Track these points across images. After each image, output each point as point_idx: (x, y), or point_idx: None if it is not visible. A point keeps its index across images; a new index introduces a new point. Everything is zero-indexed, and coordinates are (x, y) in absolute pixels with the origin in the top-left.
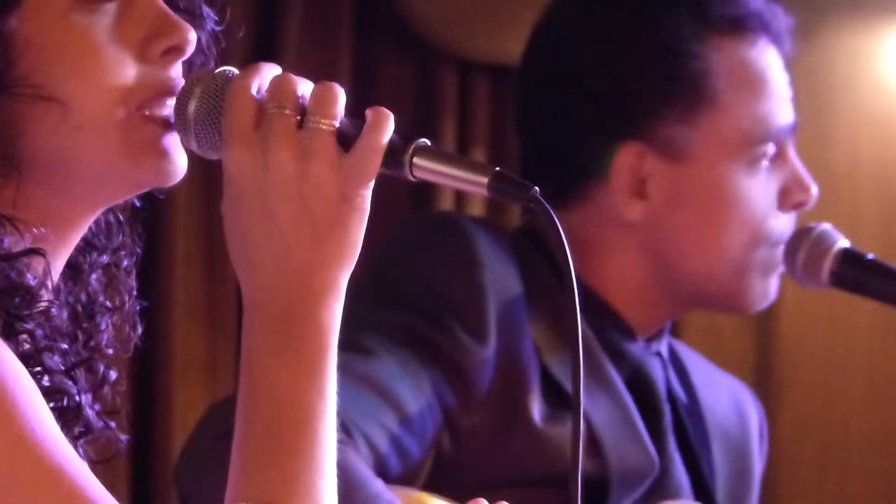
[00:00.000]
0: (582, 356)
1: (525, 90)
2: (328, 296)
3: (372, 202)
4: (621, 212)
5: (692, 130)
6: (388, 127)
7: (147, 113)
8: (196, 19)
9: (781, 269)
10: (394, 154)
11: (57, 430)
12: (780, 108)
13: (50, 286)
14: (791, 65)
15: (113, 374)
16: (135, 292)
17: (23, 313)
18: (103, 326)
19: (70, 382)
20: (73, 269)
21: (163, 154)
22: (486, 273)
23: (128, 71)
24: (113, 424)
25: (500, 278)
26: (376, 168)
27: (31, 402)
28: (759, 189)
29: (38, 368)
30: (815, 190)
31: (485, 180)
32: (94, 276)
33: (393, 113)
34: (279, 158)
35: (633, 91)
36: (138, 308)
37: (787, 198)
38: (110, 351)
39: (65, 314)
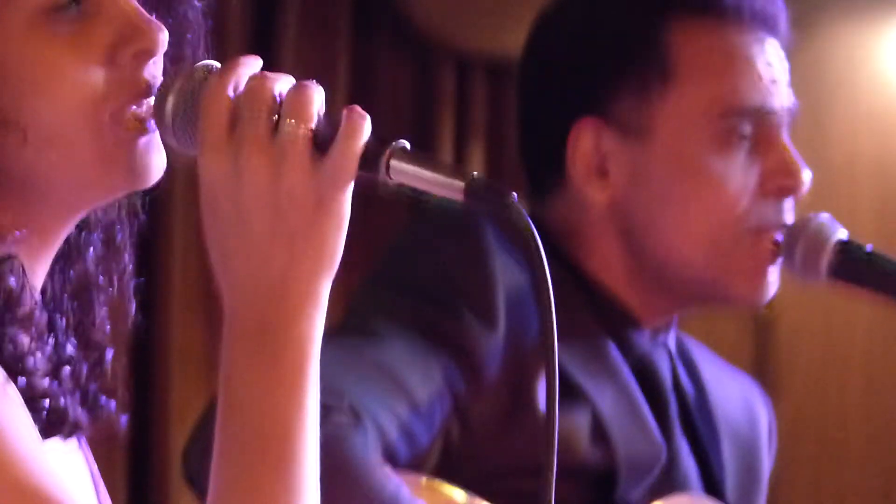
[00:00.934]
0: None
1: (516, 85)
2: (307, 305)
3: (370, 207)
4: (585, 192)
5: (649, 106)
6: (363, 130)
7: (116, 116)
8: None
9: (779, 261)
10: (370, 157)
11: (38, 445)
12: (753, 87)
13: (35, 288)
14: (789, 59)
15: (109, 352)
16: (129, 267)
17: (4, 318)
18: (97, 304)
19: (56, 384)
20: (67, 246)
21: (137, 157)
22: (495, 262)
23: (94, 79)
24: (112, 405)
25: (509, 268)
26: (353, 172)
27: (11, 418)
28: (729, 169)
29: (23, 372)
30: (805, 176)
31: (461, 185)
32: (89, 252)
33: (391, 109)
34: (252, 165)
35: (584, 65)
36: (133, 283)
37: (771, 180)
38: (106, 329)
39: (46, 317)
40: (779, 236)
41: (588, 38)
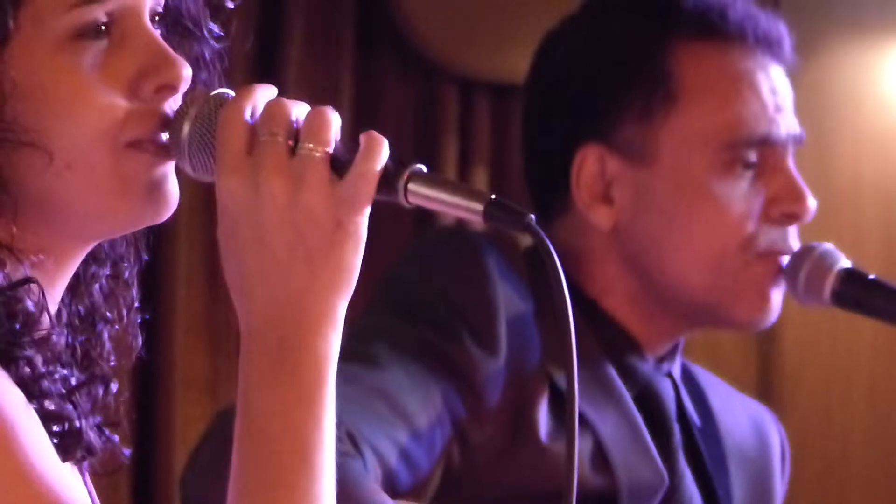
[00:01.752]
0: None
1: (521, 109)
2: (324, 325)
3: (375, 223)
4: (589, 218)
5: (652, 131)
6: (381, 153)
7: (133, 147)
8: (200, 35)
9: (783, 285)
10: (388, 180)
11: (56, 461)
12: (758, 116)
13: (50, 312)
14: (792, 82)
15: (114, 386)
16: (136, 304)
17: (22, 339)
18: (103, 337)
19: (70, 407)
20: (76, 279)
21: (153, 189)
22: (496, 287)
23: (118, 109)
24: (116, 438)
25: (510, 293)
26: (370, 195)
27: (31, 434)
28: (734, 194)
29: (38, 394)
30: (810, 202)
31: (480, 207)
32: (95, 286)
33: (395, 131)
34: (271, 186)
35: (587, 91)
36: (139, 320)
37: (775, 207)
38: (112, 362)
39: (63, 340)
40: (782, 262)
41: (591, 63)
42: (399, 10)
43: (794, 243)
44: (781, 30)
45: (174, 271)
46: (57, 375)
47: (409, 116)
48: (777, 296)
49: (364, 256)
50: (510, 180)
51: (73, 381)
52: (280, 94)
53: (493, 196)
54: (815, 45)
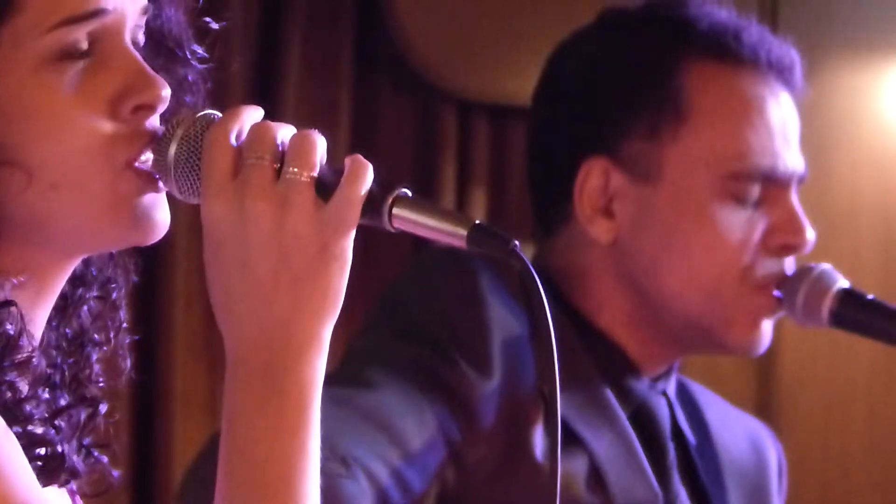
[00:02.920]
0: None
1: (528, 119)
2: (310, 349)
3: (374, 245)
4: (588, 231)
5: (659, 149)
6: (366, 177)
7: (126, 167)
8: (183, 57)
9: (777, 315)
10: (373, 204)
11: (38, 488)
12: (765, 147)
13: (31, 335)
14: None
15: (103, 407)
16: (124, 325)
17: (3, 364)
18: (92, 359)
19: (52, 432)
20: (64, 301)
21: (143, 212)
22: (491, 309)
23: (99, 128)
24: (105, 459)
25: (505, 315)
26: (355, 219)
27: (11, 461)
28: (735, 221)
29: (21, 417)
30: (809, 235)
31: (464, 233)
32: (83, 308)
33: (393, 152)
34: (256, 210)
35: (596, 104)
36: (128, 341)
37: (774, 238)
38: (101, 383)
39: (44, 363)
40: (777, 292)
41: (603, 77)
42: (397, 32)
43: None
44: (794, 57)
45: (173, 292)
46: (40, 399)
47: (408, 138)
48: (768, 326)
49: (363, 278)
50: (508, 201)
51: (54, 405)
52: (278, 115)
53: (478, 222)
54: (813, 66)
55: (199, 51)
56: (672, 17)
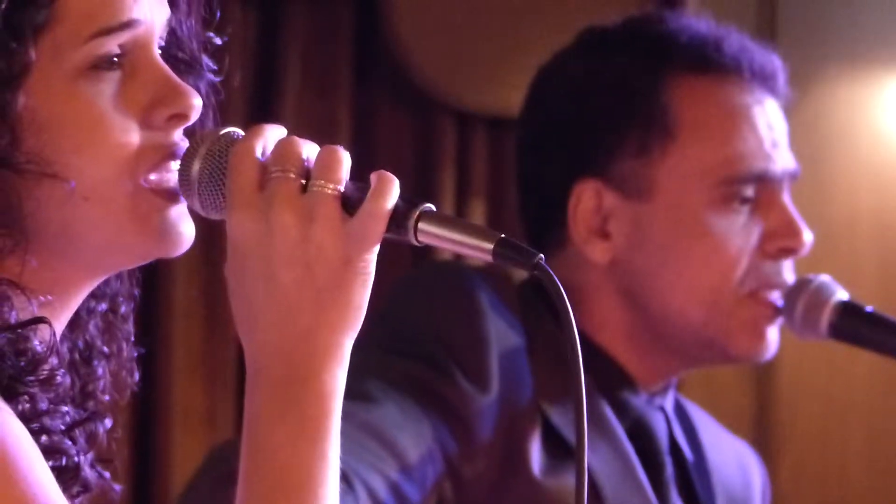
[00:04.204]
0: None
1: (516, 142)
2: (331, 360)
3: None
4: (585, 253)
5: (649, 166)
6: (392, 192)
7: (154, 180)
8: (196, 71)
9: (779, 320)
10: (398, 219)
11: (59, 493)
12: (755, 152)
13: (60, 352)
14: (788, 115)
15: (108, 422)
16: (132, 338)
17: (26, 378)
18: (100, 373)
19: (69, 443)
20: (75, 315)
21: (170, 225)
22: (487, 323)
23: (132, 139)
24: (107, 474)
25: (502, 328)
26: (380, 233)
27: (34, 466)
28: (731, 229)
29: (39, 429)
30: (806, 236)
31: (490, 246)
32: (91, 322)
33: (392, 163)
34: (282, 222)
35: (584, 126)
36: (135, 355)
37: (772, 242)
38: (107, 397)
39: (69, 380)
40: (777, 297)
41: (588, 99)
42: (396, 44)
43: (790, 278)
44: (776, 63)
45: (172, 306)
46: (59, 412)
47: (407, 149)
48: (773, 331)
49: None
50: (508, 212)
51: (73, 418)
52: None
53: (503, 236)
54: (811, 79)
55: (211, 63)
56: (652, 33)
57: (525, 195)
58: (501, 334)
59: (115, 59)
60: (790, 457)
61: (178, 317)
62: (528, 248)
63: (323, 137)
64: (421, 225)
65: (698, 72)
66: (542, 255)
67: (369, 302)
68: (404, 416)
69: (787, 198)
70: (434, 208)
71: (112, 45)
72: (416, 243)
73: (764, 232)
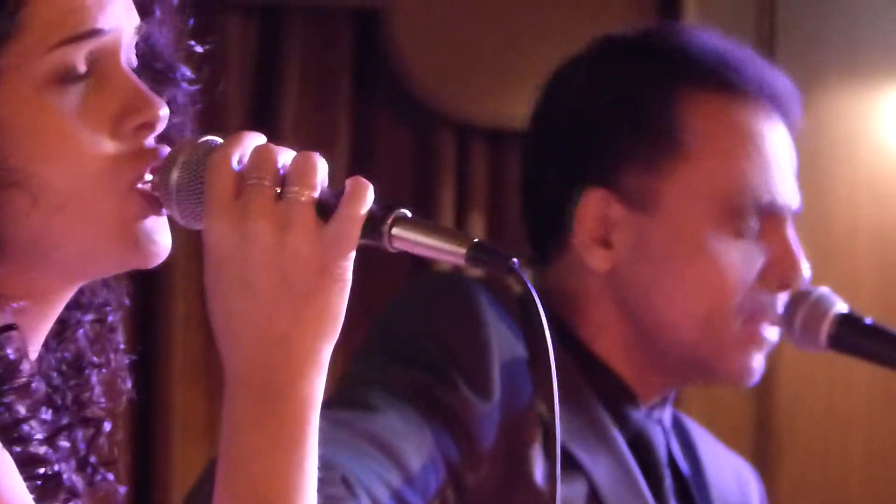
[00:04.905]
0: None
1: (524, 145)
2: (309, 368)
3: (370, 267)
4: (586, 260)
5: (659, 181)
6: (366, 197)
7: (131, 189)
8: (172, 80)
9: (768, 347)
10: (373, 224)
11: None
12: (763, 180)
13: (30, 359)
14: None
15: (107, 426)
16: (121, 347)
17: (3, 387)
18: (93, 381)
19: (50, 451)
20: (61, 325)
21: (147, 235)
22: (489, 331)
23: (102, 148)
24: (111, 476)
25: (504, 337)
26: (355, 239)
27: (9, 483)
28: (733, 254)
29: (17, 438)
30: (806, 272)
31: (462, 251)
32: (80, 332)
33: (392, 176)
34: (257, 230)
35: (598, 134)
36: (127, 362)
37: (773, 274)
38: (102, 403)
39: (43, 386)
40: (769, 329)
41: (600, 107)
42: (395, 56)
43: (781, 310)
44: (792, 89)
45: (171, 316)
46: (37, 420)
47: (406, 162)
48: (760, 358)
49: (359, 299)
50: (507, 225)
51: (56, 425)
52: (277, 140)
53: (476, 240)
54: (810, 90)
55: (188, 73)
56: (670, 47)
57: (530, 199)
58: (503, 343)
59: (82, 70)
60: (790, 469)
61: (178, 326)
62: (501, 252)
63: (322, 150)
64: (395, 230)
65: (714, 90)
66: (515, 259)
67: (369, 311)
68: (406, 425)
69: (791, 231)
70: (409, 213)
71: (78, 53)
72: (392, 249)
73: (766, 263)
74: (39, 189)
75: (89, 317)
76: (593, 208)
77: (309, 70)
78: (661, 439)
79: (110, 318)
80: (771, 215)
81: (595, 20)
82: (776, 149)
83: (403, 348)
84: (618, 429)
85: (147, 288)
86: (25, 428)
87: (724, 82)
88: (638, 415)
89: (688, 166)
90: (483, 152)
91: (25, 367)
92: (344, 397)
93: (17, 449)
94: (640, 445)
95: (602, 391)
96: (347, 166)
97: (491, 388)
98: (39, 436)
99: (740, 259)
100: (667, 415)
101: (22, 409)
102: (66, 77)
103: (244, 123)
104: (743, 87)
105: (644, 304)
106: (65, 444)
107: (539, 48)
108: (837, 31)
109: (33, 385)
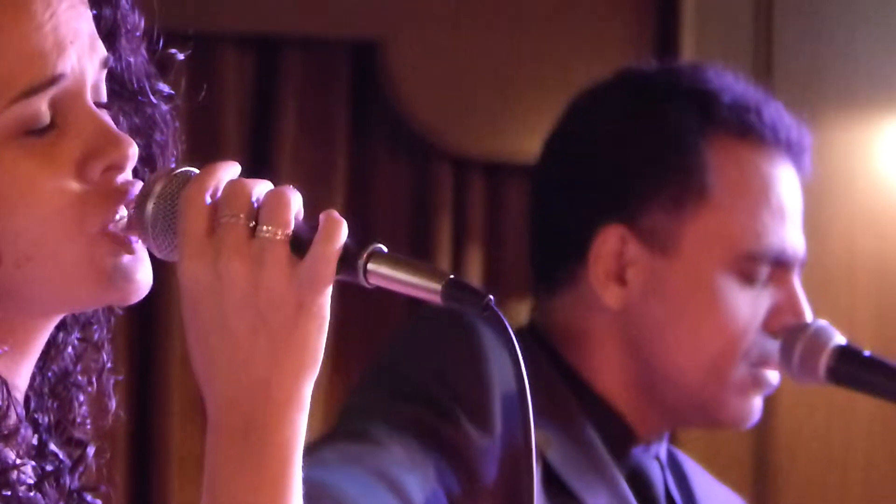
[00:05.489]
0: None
1: (532, 178)
2: (289, 407)
3: (367, 301)
4: (599, 295)
5: (678, 223)
6: (339, 233)
7: (100, 233)
8: (147, 98)
9: (769, 390)
10: (348, 260)
11: None
12: (779, 228)
13: (19, 403)
14: None
15: (91, 449)
16: (108, 366)
17: None
18: (78, 401)
19: (38, 496)
20: (46, 347)
21: (121, 274)
22: (491, 364)
23: (67, 194)
24: (98, 502)
25: (505, 374)
26: (331, 275)
27: None
28: (744, 302)
29: (6, 484)
30: (809, 319)
31: (438, 287)
32: (66, 352)
33: (389, 210)
34: (231, 270)
35: (620, 171)
36: (112, 381)
37: (777, 320)
38: (87, 425)
39: (31, 432)
40: (771, 374)
41: (627, 145)
42: (392, 90)
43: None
44: (808, 138)
45: (169, 352)
46: (27, 465)
47: (403, 196)
48: (759, 402)
49: (357, 333)
50: (504, 258)
51: (47, 457)
52: (274, 175)
53: (452, 276)
54: (808, 121)
55: (166, 89)
56: (697, 88)
57: (541, 229)
58: (503, 377)
59: (46, 121)
60: (789, 501)
61: (176, 362)
62: (477, 290)
63: (319, 183)
64: (370, 266)
65: (739, 136)
66: (491, 297)
67: (369, 347)
68: (410, 460)
69: (797, 280)
70: (385, 249)
71: (40, 103)
72: (367, 285)
73: (771, 309)
74: (5, 244)
75: (75, 335)
76: (611, 245)
77: (306, 103)
78: (659, 474)
79: (96, 337)
80: (780, 263)
81: (593, 55)
82: (790, 197)
83: (405, 384)
84: (616, 464)
85: (144, 324)
86: (14, 474)
87: (746, 129)
88: (636, 451)
89: (710, 210)
90: (480, 186)
91: (12, 413)
92: (350, 430)
93: (7, 493)
94: (639, 481)
95: (602, 427)
96: (344, 199)
97: (492, 423)
98: (29, 481)
99: (749, 305)
100: (663, 450)
101: (10, 455)
102: (30, 129)
103: (240, 156)
104: (764, 134)
105: (652, 345)
106: (52, 489)
107: (536, 83)
108: (835, 63)
109: (22, 431)
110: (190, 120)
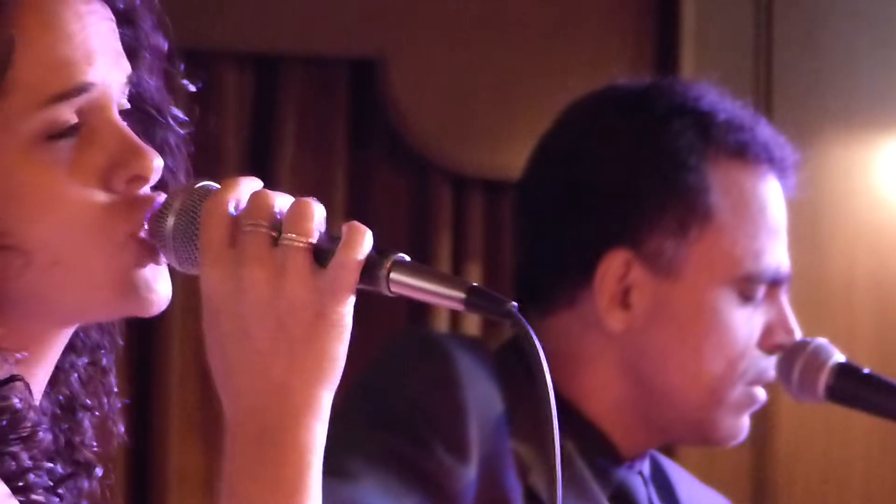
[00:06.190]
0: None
1: (523, 195)
2: (308, 415)
3: (367, 316)
4: (602, 319)
5: (683, 246)
6: (363, 243)
7: (128, 239)
8: (164, 122)
9: (756, 407)
10: (370, 269)
11: None
12: (775, 249)
13: (36, 409)
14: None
15: (99, 472)
16: (115, 390)
17: (8, 437)
18: (86, 425)
19: (56, 500)
20: (55, 369)
21: (144, 284)
22: (465, 391)
23: (94, 202)
24: None
25: (482, 398)
26: (353, 285)
27: None
28: (743, 322)
29: (23, 487)
30: (798, 336)
31: (461, 295)
32: (74, 375)
33: (388, 227)
34: (253, 277)
35: (625, 196)
36: (119, 406)
37: (769, 338)
38: (94, 447)
39: (50, 435)
40: (761, 392)
41: (632, 170)
42: (392, 106)
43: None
44: (795, 157)
45: (168, 367)
46: (43, 469)
47: (403, 212)
48: (747, 419)
49: (358, 346)
50: (503, 275)
51: (59, 474)
52: (274, 190)
53: (474, 284)
54: (807, 141)
55: (180, 115)
56: (693, 108)
57: (541, 251)
58: (479, 402)
59: (72, 124)
60: None
61: (175, 378)
62: (499, 297)
63: (319, 200)
64: (393, 275)
65: (735, 155)
66: (514, 303)
67: (370, 347)
68: (387, 491)
69: (785, 296)
70: (407, 258)
71: (67, 110)
72: (389, 293)
73: (764, 327)
74: (32, 249)
75: (83, 360)
76: (616, 268)
77: (305, 120)
78: (643, 490)
79: (104, 361)
80: (774, 282)
81: (592, 73)
82: (781, 216)
83: (379, 411)
84: (598, 483)
85: (144, 338)
86: (31, 477)
87: (743, 150)
88: (621, 470)
89: (713, 232)
90: (479, 202)
91: (31, 416)
92: (325, 464)
93: (21, 498)
94: (622, 499)
95: (585, 448)
96: (344, 216)
97: (468, 450)
98: (44, 485)
99: (747, 325)
100: (646, 465)
101: (27, 459)
102: (56, 133)
103: (240, 173)
104: (758, 154)
105: (653, 367)
106: (68, 492)
107: (535, 100)
108: (834, 82)
109: (40, 434)
110: (190, 136)
